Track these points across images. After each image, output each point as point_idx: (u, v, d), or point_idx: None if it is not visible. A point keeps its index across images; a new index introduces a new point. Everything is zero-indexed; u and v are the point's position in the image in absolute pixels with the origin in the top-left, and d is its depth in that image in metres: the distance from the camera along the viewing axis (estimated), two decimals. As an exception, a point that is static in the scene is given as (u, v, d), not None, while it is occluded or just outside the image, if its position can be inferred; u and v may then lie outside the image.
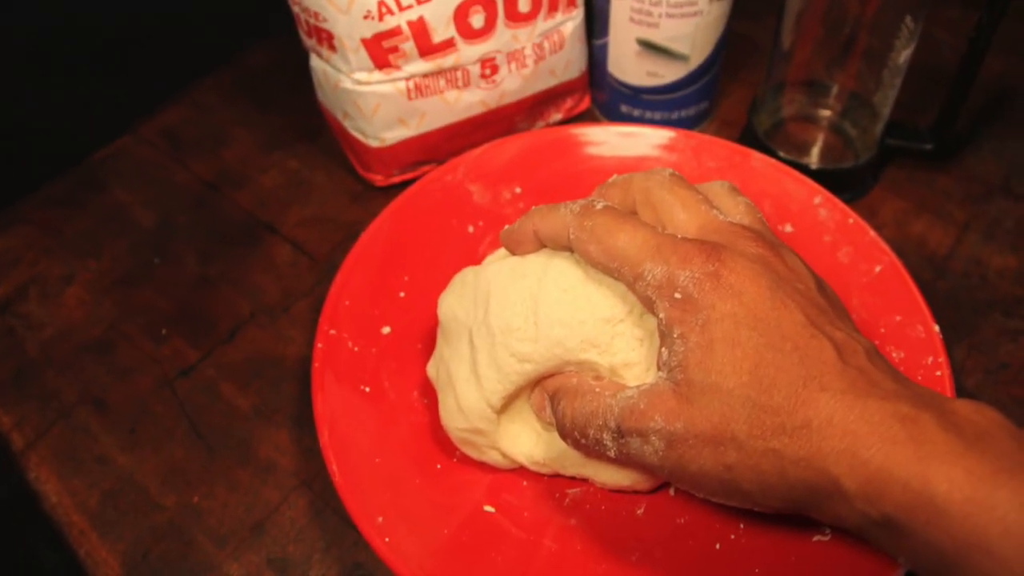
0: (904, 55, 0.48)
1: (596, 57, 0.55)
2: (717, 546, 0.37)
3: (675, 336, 0.32)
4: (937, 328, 0.41)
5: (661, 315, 0.33)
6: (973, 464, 0.27)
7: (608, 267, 0.35)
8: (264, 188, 0.57)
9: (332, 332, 0.42)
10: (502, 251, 0.42)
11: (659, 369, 0.33)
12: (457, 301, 0.39)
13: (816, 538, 0.36)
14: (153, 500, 0.43)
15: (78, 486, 0.43)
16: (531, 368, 0.36)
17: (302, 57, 0.54)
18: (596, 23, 0.53)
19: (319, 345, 0.42)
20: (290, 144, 0.59)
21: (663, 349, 0.33)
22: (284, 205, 0.56)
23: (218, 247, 0.54)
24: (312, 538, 0.41)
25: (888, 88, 0.50)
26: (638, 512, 0.39)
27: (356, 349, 0.43)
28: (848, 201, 0.47)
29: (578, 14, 0.52)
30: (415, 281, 0.46)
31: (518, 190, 0.49)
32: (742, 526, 0.37)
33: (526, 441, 0.39)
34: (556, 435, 0.37)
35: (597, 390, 0.35)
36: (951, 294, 0.49)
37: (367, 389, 0.41)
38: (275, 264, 0.53)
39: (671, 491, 0.39)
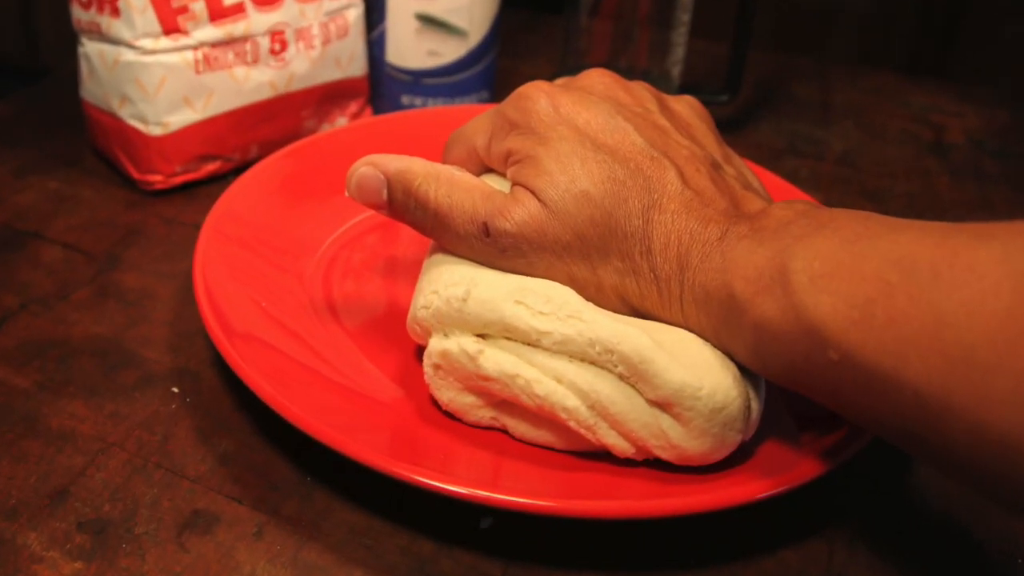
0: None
1: (374, 54, 0.56)
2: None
3: (526, 159, 0.33)
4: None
5: (508, 146, 0.34)
6: (757, 249, 0.29)
7: (480, 155, 0.36)
8: (20, 205, 0.50)
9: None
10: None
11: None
12: None
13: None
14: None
15: None
16: None
17: (48, 106, 0.50)
18: (372, 13, 0.55)
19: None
20: (45, 171, 0.53)
21: (517, 175, 0.33)
22: (47, 217, 0.49)
23: (-33, 258, 0.46)
24: (134, 495, 0.33)
25: (678, 38, 0.56)
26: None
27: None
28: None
29: (359, 2, 0.54)
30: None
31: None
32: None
33: None
34: None
35: (467, 185, 0.34)
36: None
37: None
38: (43, 263, 0.46)
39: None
